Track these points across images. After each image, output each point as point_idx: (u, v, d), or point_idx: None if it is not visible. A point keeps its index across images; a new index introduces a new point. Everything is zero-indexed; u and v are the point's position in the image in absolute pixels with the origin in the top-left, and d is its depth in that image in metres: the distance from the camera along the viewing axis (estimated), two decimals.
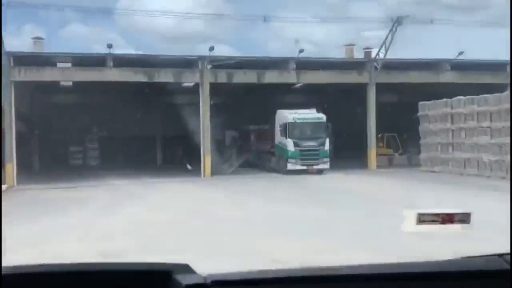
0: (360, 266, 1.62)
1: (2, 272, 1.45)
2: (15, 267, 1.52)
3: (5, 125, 22.98)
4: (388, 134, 35.64)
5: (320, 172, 26.48)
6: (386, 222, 7.81)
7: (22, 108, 26.22)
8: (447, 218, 2.59)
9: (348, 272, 1.56)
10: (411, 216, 2.60)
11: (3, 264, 1.48)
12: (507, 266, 1.53)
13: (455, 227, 2.56)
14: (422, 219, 2.60)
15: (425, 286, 1.52)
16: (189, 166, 25.93)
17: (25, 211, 14.93)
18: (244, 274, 1.52)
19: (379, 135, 35.61)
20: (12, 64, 24.17)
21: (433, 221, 2.60)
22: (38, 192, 20.54)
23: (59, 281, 1.52)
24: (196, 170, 26.06)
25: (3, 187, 20.12)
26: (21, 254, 8.06)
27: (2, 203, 12.68)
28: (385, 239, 8.80)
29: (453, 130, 25.20)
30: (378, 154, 33.14)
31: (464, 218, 2.56)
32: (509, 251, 1.61)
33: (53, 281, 1.52)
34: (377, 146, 34.88)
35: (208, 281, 1.45)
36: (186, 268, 1.55)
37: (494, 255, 1.61)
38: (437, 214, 2.58)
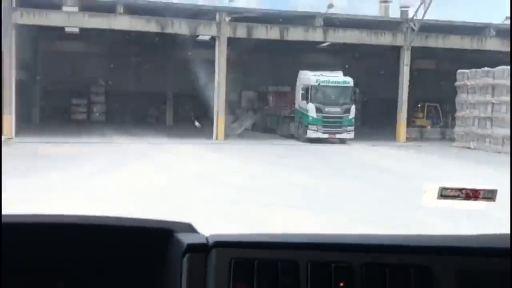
0: (367, 236, 1.66)
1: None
2: (12, 216, 1.55)
3: (4, 72, 23.02)
4: (429, 104, 35.54)
5: (343, 142, 26.45)
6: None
7: (23, 55, 26.31)
8: (471, 194, 2.61)
9: (354, 241, 1.60)
10: (432, 190, 2.62)
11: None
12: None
13: (479, 204, 2.58)
14: (444, 193, 2.61)
15: (425, 259, 1.55)
16: (197, 123, 26.17)
17: (21, 165, 15.20)
18: (247, 237, 1.55)
19: (419, 105, 35.65)
20: (13, 5, 24.11)
21: (455, 196, 2.62)
22: (37, 146, 20.87)
23: (50, 233, 1.55)
24: (208, 132, 26.19)
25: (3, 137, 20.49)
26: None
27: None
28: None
29: (493, 104, 24.89)
30: (417, 126, 33.37)
31: (489, 195, 2.57)
32: None
33: (44, 232, 1.55)
34: (416, 117, 35.12)
35: (211, 241, 1.48)
36: (188, 227, 1.58)
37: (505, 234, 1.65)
38: (461, 189, 2.59)
